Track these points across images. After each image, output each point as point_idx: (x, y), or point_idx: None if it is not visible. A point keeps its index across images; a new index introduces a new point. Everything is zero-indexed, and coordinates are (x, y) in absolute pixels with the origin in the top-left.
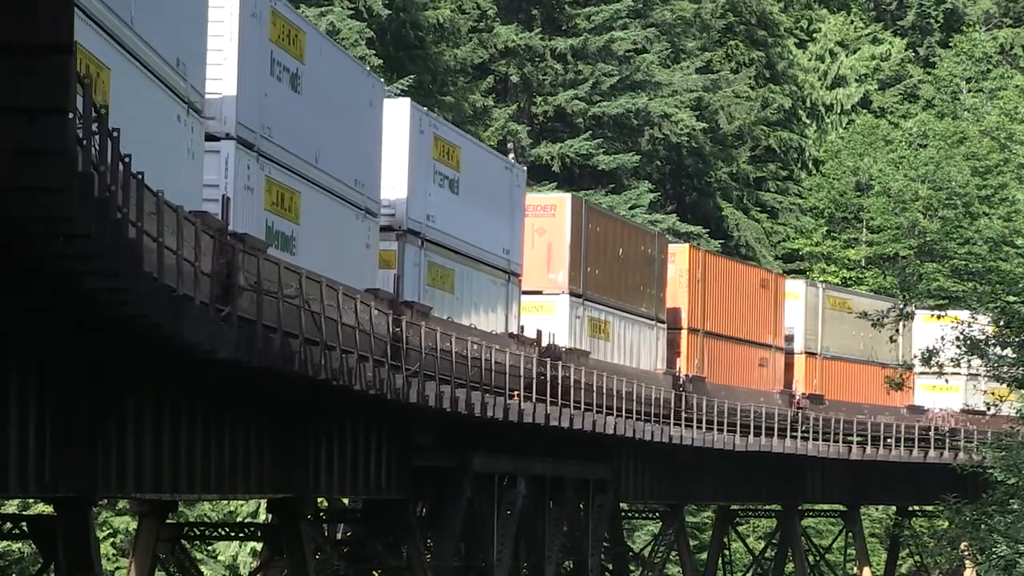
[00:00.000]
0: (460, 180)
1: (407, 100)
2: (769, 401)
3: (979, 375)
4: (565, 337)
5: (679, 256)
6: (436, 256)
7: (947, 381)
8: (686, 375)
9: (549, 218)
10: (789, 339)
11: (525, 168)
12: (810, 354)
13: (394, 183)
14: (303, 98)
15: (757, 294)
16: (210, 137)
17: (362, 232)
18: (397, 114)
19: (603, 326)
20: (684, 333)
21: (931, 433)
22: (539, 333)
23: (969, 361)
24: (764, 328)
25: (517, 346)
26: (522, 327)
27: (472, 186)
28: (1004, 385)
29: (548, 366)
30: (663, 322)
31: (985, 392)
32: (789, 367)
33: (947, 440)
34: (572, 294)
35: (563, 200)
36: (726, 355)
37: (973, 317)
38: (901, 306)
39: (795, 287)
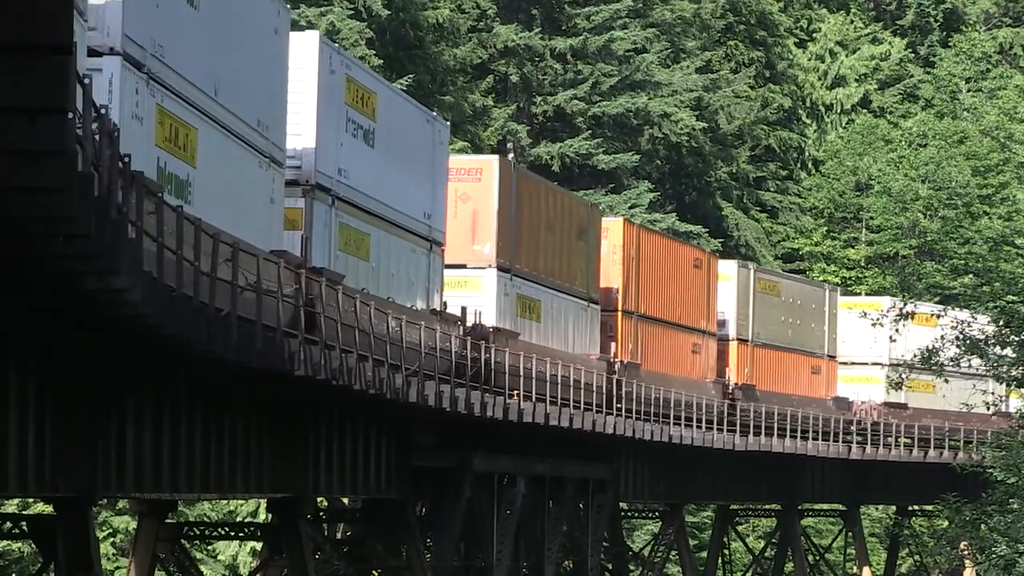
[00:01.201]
0: (376, 131)
1: (315, 33)
2: (703, 391)
3: (900, 366)
4: (492, 316)
5: (612, 231)
6: (349, 217)
7: (868, 373)
8: (620, 361)
9: (474, 183)
10: (721, 324)
11: (448, 122)
12: (742, 341)
13: (300, 130)
14: (200, 15)
15: (691, 275)
16: (92, 52)
17: (266, 183)
18: (304, 48)
19: (534, 305)
20: (618, 315)
21: (853, 426)
22: (464, 311)
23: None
24: (698, 312)
25: (441, 324)
26: (445, 303)
27: (390, 139)
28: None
29: (479, 349)
30: (596, 303)
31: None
32: (722, 354)
33: (868, 434)
34: (500, 268)
35: (490, 163)
36: (660, 340)
37: (973, 317)
38: (901, 305)
39: (727, 268)
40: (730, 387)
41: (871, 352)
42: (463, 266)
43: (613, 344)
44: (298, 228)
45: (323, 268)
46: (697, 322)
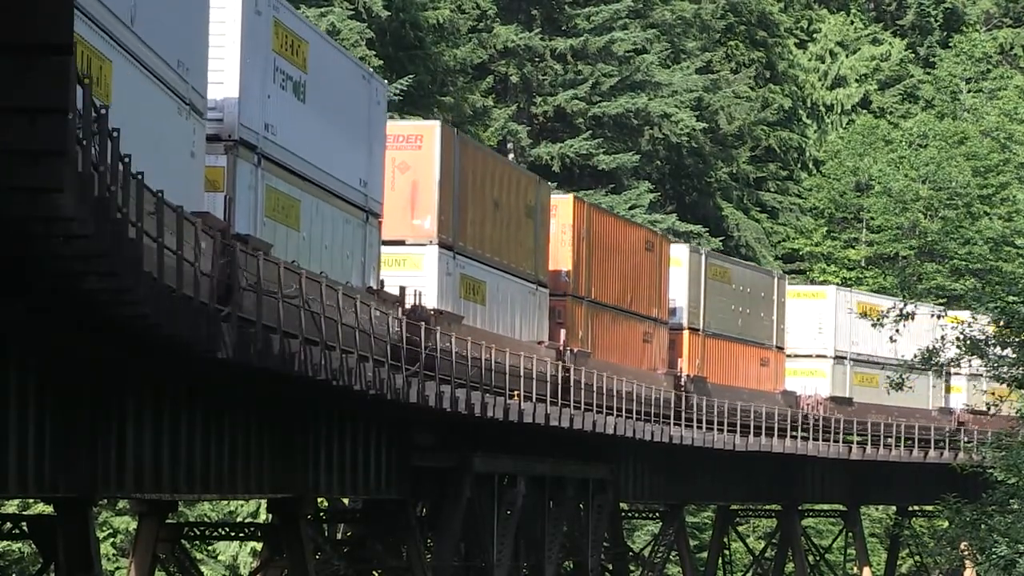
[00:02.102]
0: (308, 84)
1: None
2: (655, 383)
3: (845, 358)
4: (433, 297)
5: (562, 209)
6: (277, 180)
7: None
8: (570, 349)
9: (414, 151)
10: (673, 312)
11: (386, 82)
12: (693, 330)
13: (222, 77)
14: None
15: (643, 258)
16: None
17: (186, 133)
18: None
19: (478, 287)
20: (568, 301)
21: (800, 422)
22: (402, 290)
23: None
24: (649, 298)
25: (378, 304)
26: (382, 282)
27: (322, 94)
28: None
29: (419, 332)
30: (545, 286)
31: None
32: (673, 344)
33: (819, 430)
34: (442, 246)
35: (431, 129)
36: (611, 328)
37: (974, 317)
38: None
39: (679, 252)
40: (682, 379)
41: (815, 344)
42: (401, 242)
43: (563, 331)
44: (218, 189)
45: (248, 235)
46: (649, 309)
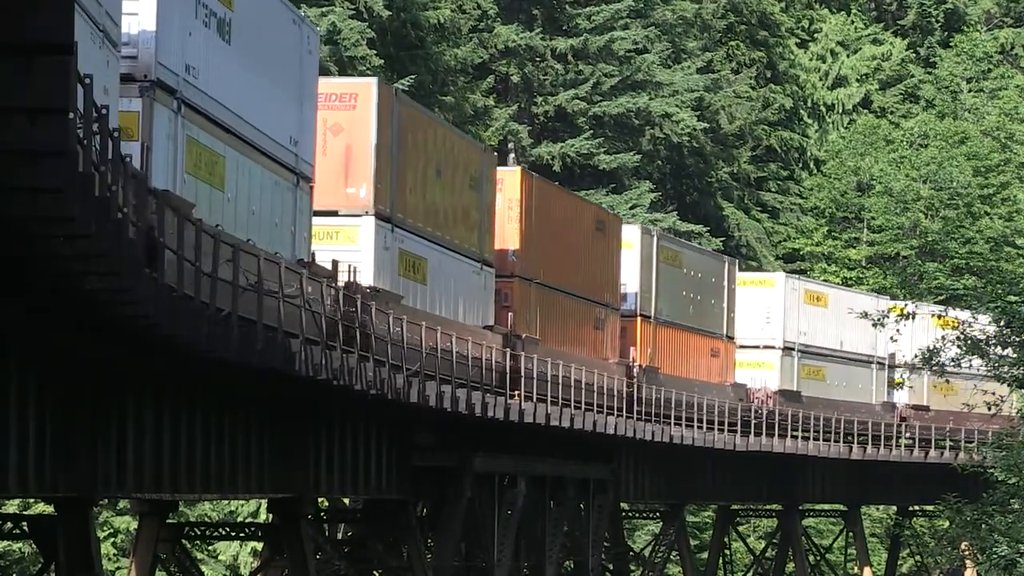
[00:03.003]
0: (233, 23)
1: None
2: (608, 373)
3: (793, 349)
4: (370, 274)
5: (509, 182)
6: (199, 131)
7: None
8: (517, 336)
9: (348, 111)
10: (624, 298)
11: (319, 28)
12: (645, 317)
13: (136, 7)
14: None
15: (594, 239)
16: None
17: (98, 64)
18: None
19: (419, 264)
20: (515, 283)
21: (751, 416)
22: (335, 265)
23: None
24: (601, 282)
25: (310, 278)
26: (313, 255)
27: (249, 36)
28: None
29: (355, 310)
30: (491, 265)
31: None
32: (624, 332)
33: (764, 423)
34: (379, 217)
35: (366, 87)
36: (561, 313)
37: (974, 317)
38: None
39: (631, 234)
40: (634, 369)
41: (763, 334)
42: (334, 213)
43: (510, 315)
44: (132, 137)
45: (168, 192)
46: (600, 294)
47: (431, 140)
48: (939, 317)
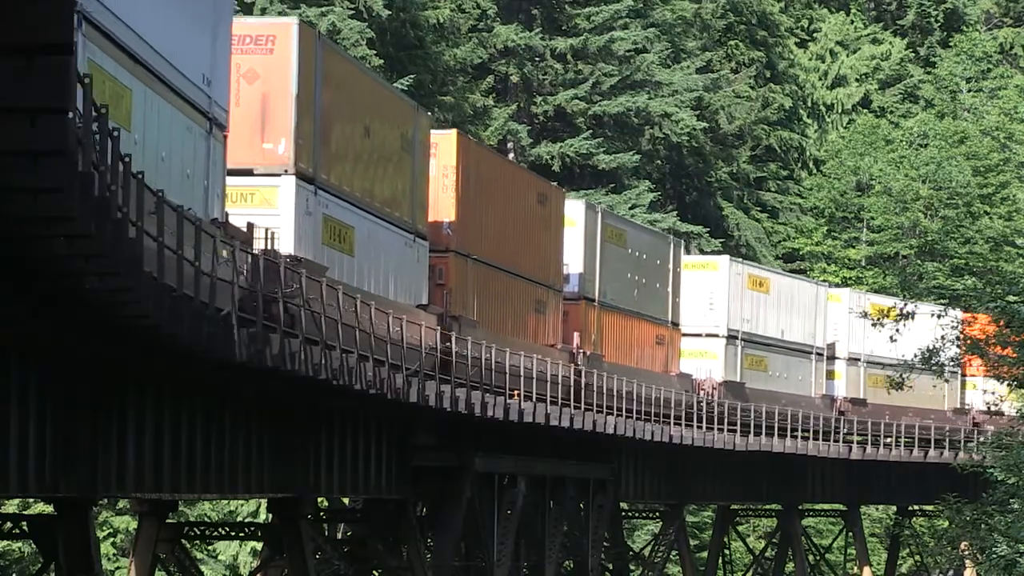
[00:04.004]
0: None
1: None
2: (550, 360)
3: (736, 338)
4: (290, 241)
5: (443, 147)
6: (104, 57)
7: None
8: (453, 317)
9: (264, 56)
10: (567, 279)
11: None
12: (588, 301)
13: None
14: None
15: (535, 213)
16: None
17: None
18: None
19: (345, 233)
20: (451, 258)
21: (695, 410)
22: (251, 227)
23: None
24: (542, 261)
25: (224, 240)
26: (226, 215)
27: None
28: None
29: (277, 281)
30: (424, 238)
31: None
32: (567, 316)
33: (713, 416)
34: (301, 177)
35: (285, 29)
36: (500, 293)
37: (973, 316)
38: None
39: (574, 210)
40: (578, 356)
41: (707, 321)
42: (249, 171)
43: (445, 294)
44: None
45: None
46: (542, 274)
47: (359, 94)
48: (938, 317)
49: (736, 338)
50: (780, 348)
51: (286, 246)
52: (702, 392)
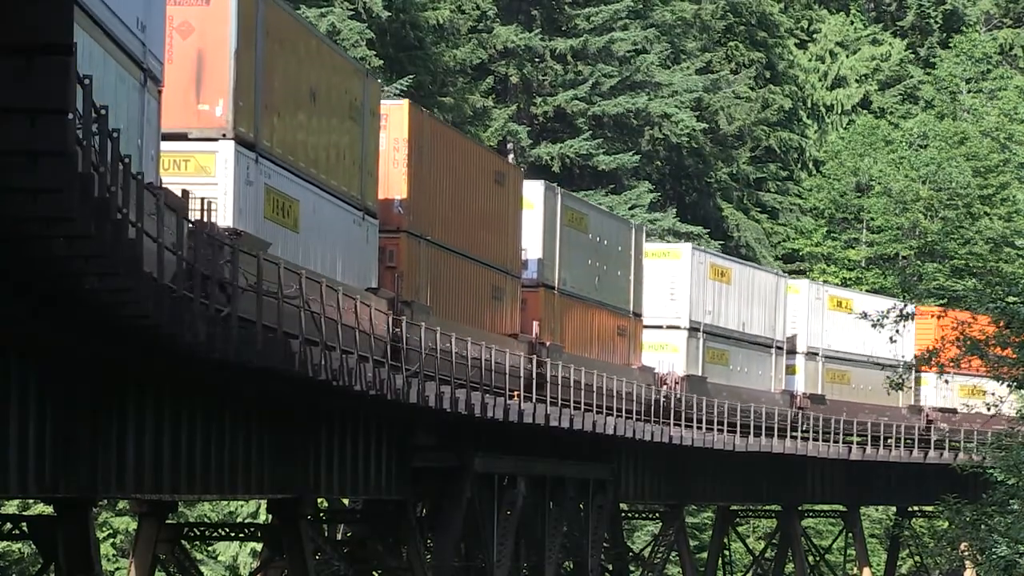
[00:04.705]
0: None
1: None
2: (508, 349)
3: (698, 330)
4: (229, 212)
5: (394, 119)
6: None
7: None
8: (405, 302)
9: (200, 7)
10: (525, 264)
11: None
12: (548, 288)
13: None
14: None
15: (493, 193)
16: None
17: None
18: None
19: (290, 206)
20: (402, 239)
21: (659, 404)
22: (186, 194)
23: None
24: (499, 244)
25: (161, 206)
26: (161, 182)
27: None
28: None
29: (215, 254)
30: (374, 216)
31: None
32: (525, 304)
33: (672, 410)
34: (241, 143)
35: None
36: (455, 278)
37: (973, 317)
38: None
39: (533, 192)
40: (536, 346)
41: (668, 312)
42: (183, 136)
43: (396, 277)
44: None
45: None
46: (500, 259)
47: (305, 54)
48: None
49: (698, 330)
50: (741, 341)
51: (224, 218)
52: (665, 387)
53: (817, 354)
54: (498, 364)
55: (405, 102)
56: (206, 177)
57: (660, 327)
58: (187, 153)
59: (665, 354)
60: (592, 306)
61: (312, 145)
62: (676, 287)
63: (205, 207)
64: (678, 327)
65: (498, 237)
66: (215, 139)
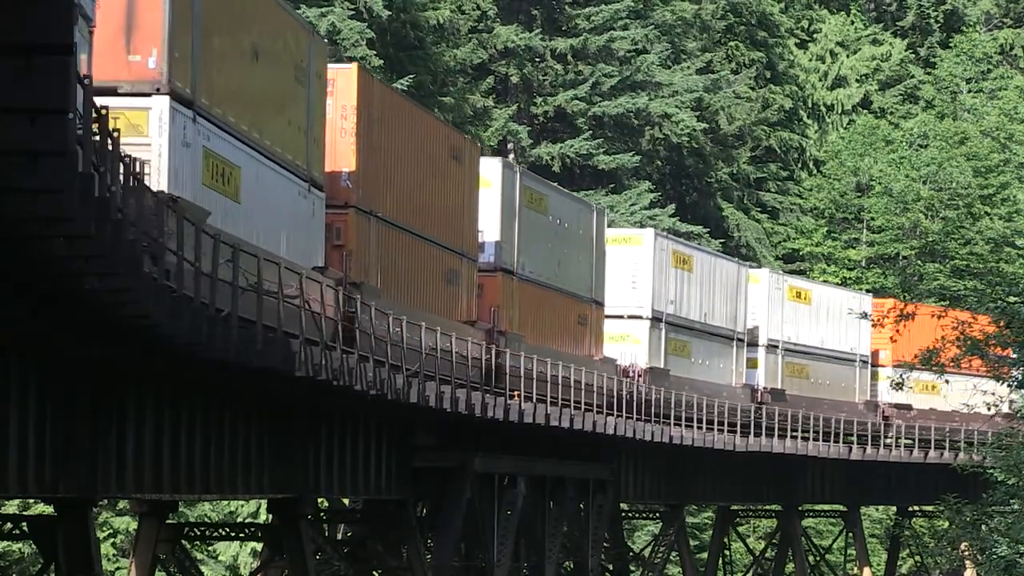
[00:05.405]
0: None
1: None
2: (465, 337)
3: (661, 320)
4: (164, 175)
5: (342, 84)
6: None
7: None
8: (353, 283)
9: None
10: (482, 247)
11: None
12: (507, 273)
13: None
14: None
15: (449, 170)
16: None
17: None
18: None
19: (230, 173)
20: (350, 216)
21: (624, 397)
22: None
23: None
24: (455, 225)
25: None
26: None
27: None
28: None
29: (163, 215)
30: (321, 189)
31: None
32: (482, 289)
33: (642, 405)
34: (176, 98)
35: None
36: (407, 259)
37: (974, 317)
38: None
39: (490, 170)
40: (495, 334)
41: (629, 301)
42: (112, 90)
43: (344, 256)
44: None
45: None
46: (456, 240)
47: (248, 5)
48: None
49: (660, 320)
50: (703, 333)
51: (159, 180)
52: (628, 379)
53: (777, 347)
54: (458, 355)
55: (354, 66)
56: (138, 137)
57: (621, 317)
58: (116, 110)
59: (627, 345)
60: (552, 293)
61: (254, 108)
62: (638, 275)
63: (137, 170)
64: (640, 317)
65: (454, 217)
66: (148, 94)
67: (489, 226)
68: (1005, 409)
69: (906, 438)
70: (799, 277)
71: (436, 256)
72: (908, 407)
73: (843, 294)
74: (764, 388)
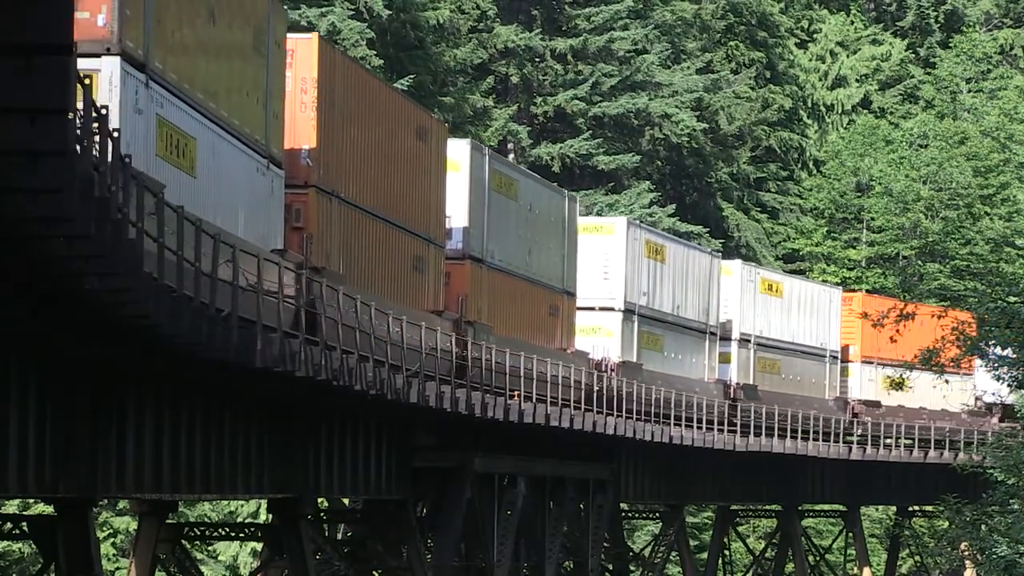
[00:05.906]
0: None
1: None
2: (432, 327)
3: (633, 312)
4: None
5: (302, 55)
6: None
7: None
8: (315, 268)
9: None
10: (449, 234)
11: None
12: (475, 260)
13: None
14: None
15: (414, 149)
16: None
17: None
18: None
19: (186, 145)
20: (311, 196)
21: (593, 393)
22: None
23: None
24: (422, 209)
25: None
26: None
27: None
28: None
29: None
30: (280, 167)
31: None
32: (449, 277)
33: (609, 400)
34: (127, 59)
35: None
36: (371, 243)
37: (974, 317)
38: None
39: (458, 152)
40: (462, 325)
41: (601, 292)
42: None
43: (304, 238)
44: None
45: None
46: (422, 225)
47: None
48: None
49: (633, 312)
50: (675, 326)
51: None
52: (602, 373)
53: (749, 341)
54: (427, 345)
55: (314, 35)
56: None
57: (593, 308)
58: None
59: (599, 338)
60: (523, 282)
61: (210, 75)
62: (610, 265)
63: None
64: (612, 309)
65: (420, 201)
66: (97, 54)
67: (457, 211)
68: (971, 405)
69: (906, 438)
70: (769, 269)
71: (402, 241)
72: (877, 404)
73: (814, 287)
74: (737, 384)
